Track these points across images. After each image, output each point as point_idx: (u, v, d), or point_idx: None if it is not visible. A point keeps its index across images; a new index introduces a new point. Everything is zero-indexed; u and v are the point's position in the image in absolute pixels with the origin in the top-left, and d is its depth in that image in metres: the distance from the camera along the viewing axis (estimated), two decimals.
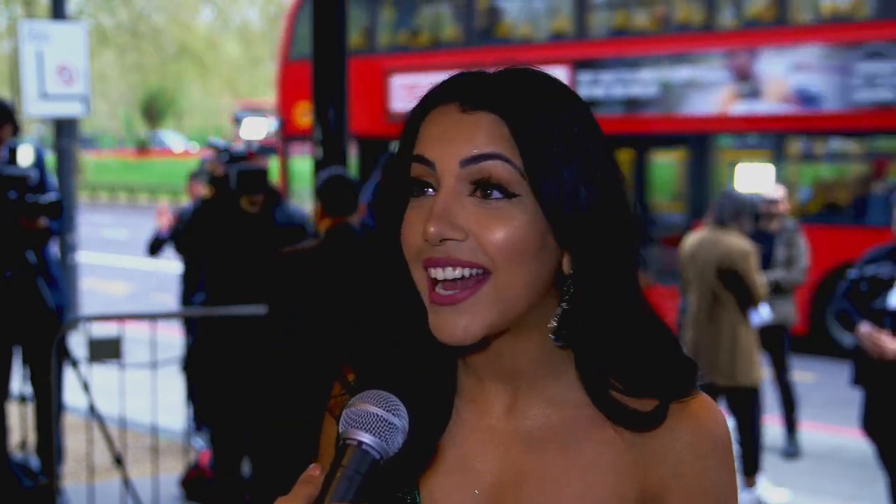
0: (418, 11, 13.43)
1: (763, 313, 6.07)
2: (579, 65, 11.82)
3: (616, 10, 12.14)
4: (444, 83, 1.13)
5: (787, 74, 10.81)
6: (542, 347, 1.13)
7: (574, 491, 1.11)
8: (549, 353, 1.13)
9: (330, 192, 3.98)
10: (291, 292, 3.92)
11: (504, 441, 1.15)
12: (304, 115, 12.25)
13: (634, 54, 11.80)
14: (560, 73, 9.41)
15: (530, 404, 1.15)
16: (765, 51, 10.96)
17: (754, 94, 11.02)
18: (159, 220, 7.50)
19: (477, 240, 1.05)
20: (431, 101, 1.12)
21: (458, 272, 1.06)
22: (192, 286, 6.77)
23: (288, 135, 14.04)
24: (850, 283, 4.83)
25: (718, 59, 11.25)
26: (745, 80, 11.05)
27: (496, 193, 1.06)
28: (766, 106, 10.99)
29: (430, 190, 1.08)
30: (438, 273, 1.06)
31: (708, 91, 11.18)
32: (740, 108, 11.14)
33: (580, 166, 1.07)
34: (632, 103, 11.81)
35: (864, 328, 4.60)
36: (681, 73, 11.52)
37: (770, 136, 11.37)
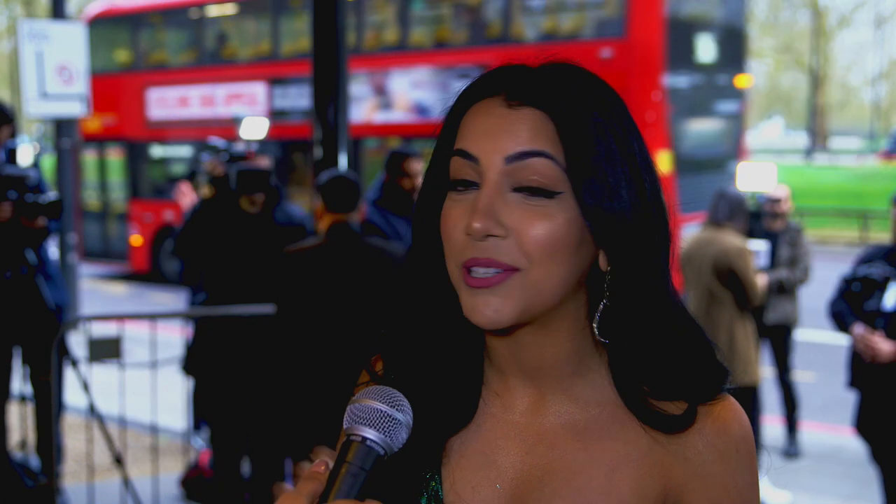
0: (167, 37, 16.60)
1: (761, 256, 6.15)
2: (273, 81, 14.75)
3: (300, 38, 15.00)
4: (488, 76, 1.12)
5: (408, 90, 13.64)
6: (568, 344, 1.13)
7: (597, 487, 1.11)
8: (575, 351, 1.13)
9: (332, 190, 3.99)
10: (296, 290, 3.93)
11: (528, 437, 1.15)
12: (93, 122, 15.29)
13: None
14: (259, 87, 14.58)
15: (555, 401, 1.15)
16: (393, 71, 13.78)
17: (388, 105, 13.80)
18: (182, 200, 7.12)
19: (517, 237, 1.05)
20: (475, 94, 1.12)
21: (494, 272, 1.06)
22: (194, 286, 6.77)
23: (83, 139, 15.47)
24: (843, 282, 4.82)
25: (363, 77, 13.65)
26: (382, 95, 13.86)
27: (538, 195, 1.06)
28: (396, 115, 13.69)
29: (473, 186, 1.08)
30: (479, 272, 1.07)
31: (357, 103, 13.12)
32: (379, 116, 13.83)
33: (622, 166, 1.07)
34: (308, 113, 12.96)
35: (858, 330, 4.60)
36: None
37: (403, 138, 13.70)
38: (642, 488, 1.10)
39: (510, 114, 1.07)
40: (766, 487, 6.08)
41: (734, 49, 13.00)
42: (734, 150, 13.05)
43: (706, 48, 12.50)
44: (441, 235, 1.11)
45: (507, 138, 1.06)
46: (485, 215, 1.04)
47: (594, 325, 1.11)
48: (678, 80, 11.97)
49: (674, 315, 1.13)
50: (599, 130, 1.06)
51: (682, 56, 12.00)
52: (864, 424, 4.72)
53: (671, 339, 1.12)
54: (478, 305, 1.06)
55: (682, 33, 12.01)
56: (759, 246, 6.35)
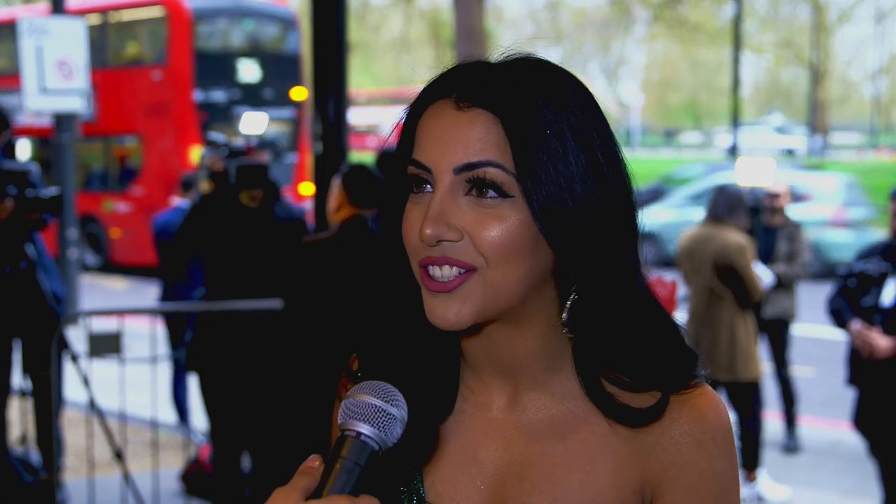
0: None
1: (765, 278, 6.11)
2: None
3: None
4: (441, 77, 1.12)
5: None
6: (540, 340, 1.13)
7: (575, 480, 1.11)
8: (548, 346, 1.14)
9: (357, 182, 3.97)
10: (311, 281, 3.93)
11: (506, 433, 1.15)
12: None
13: None
14: None
15: (531, 397, 1.15)
16: None
17: None
18: None
19: (472, 239, 1.06)
20: (429, 95, 1.12)
21: (454, 271, 1.07)
22: (171, 279, 6.80)
23: None
24: (840, 278, 4.83)
25: None
26: None
27: (491, 193, 1.06)
28: None
29: (429, 186, 1.09)
30: (436, 272, 1.07)
31: None
32: None
33: (577, 161, 1.07)
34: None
35: (856, 325, 4.60)
36: None
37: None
38: (620, 479, 1.11)
39: (460, 117, 1.07)
40: (766, 482, 6.09)
41: (288, 69, 16.96)
42: (293, 145, 17.05)
43: (249, 71, 16.78)
44: (402, 236, 1.12)
45: (456, 148, 1.06)
46: (435, 221, 1.05)
47: (562, 319, 1.11)
48: (215, 95, 16.16)
49: (641, 305, 1.13)
50: (551, 128, 1.06)
51: (221, 77, 16.27)
52: (863, 420, 4.72)
53: (638, 330, 1.12)
54: (437, 309, 1.08)
55: (219, 61, 16.44)
56: (765, 275, 6.36)
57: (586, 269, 1.08)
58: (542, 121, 1.06)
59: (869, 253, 4.82)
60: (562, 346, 1.14)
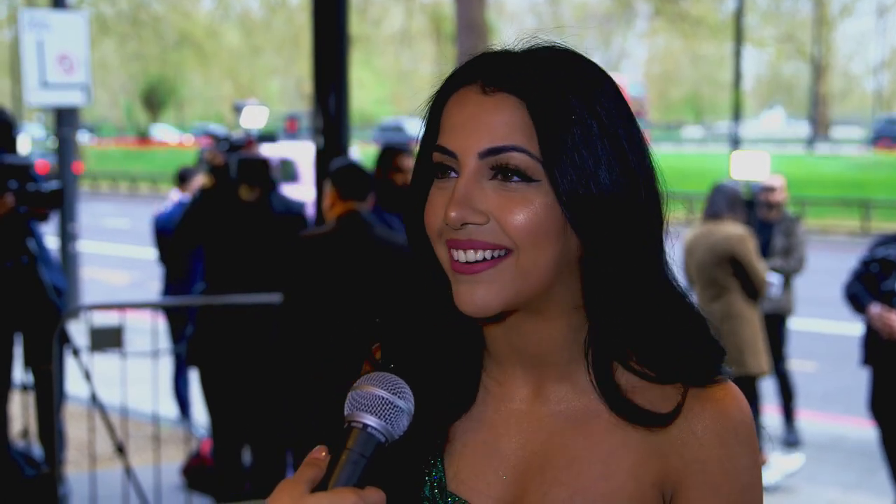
0: None
1: (773, 281, 6.11)
2: None
3: None
4: (467, 63, 1.12)
5: None
6: (566, 330, 1.13)
7: (595, 472, 1.11)
8: (572, 336, 1.13)
9: (345, 178, 4.00)
10: (306, 276, 3.94)
11: (529, 424, 1.15)
12: None
13: None
14: None
15: (554, 389, 1.15)
16: None
17: None
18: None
19: (498, 223, 1.06)
20: (455, 82, 1.12)
21: (479, 255, 1.06)
22: (189, 275, 6.77)
23: None
24: (861, 264, 4.89)
25: None
26: None
27: (515, 178, 1.06)
28: None
29: (453, 173, 1.09)
30: (461, 255, 1.07)
31: None
32: None
33: (603, 147, 1.07)
34: None
35: (875, 309, 4.67)
36: None
37: None
38: (639, 473, 1.11)
39: (485, 101, 1.07)
40: (777, 456, 6.10)
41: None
42: None
43: None
44: (424, 220, 1.12)
45: (482, 132, 1.06)
46: (460, 204, 1.05)
47: (584, 303, 1.11)
48: None
49: (665, 295, 1.12)
50: (576, 114, 1.06)
51: None
52: (878, 407, 4.78)
53: (661, 320, 1.11)
54: (464, 294, 1.07)
55: None
56: (773, 278, 6.36)
57: (610, 255, 1.08)
58: (568, 106, 1.06)
59: (887, 239, 4.91)
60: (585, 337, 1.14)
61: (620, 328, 1.10)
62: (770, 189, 7.05)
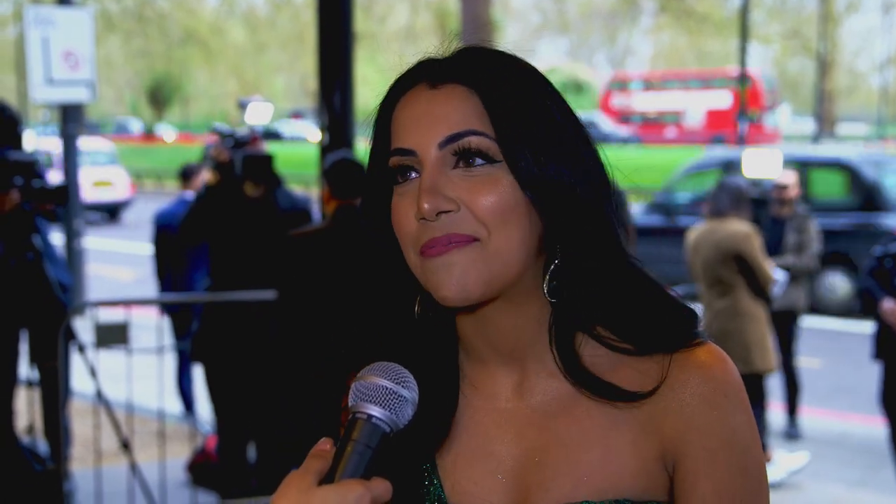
0: None
1: (779, 278, 6.12)
2: None
3: None
4: (408, 71, 1.14)
5: None
6: (538, 316, 1.13)
7: (595, 457, 1.11)
8: (546, 322, 1.13)
9: (337, 174, 4.00)
10: (301, 274, 3.94)
11: (518, 421, 1.15)
12: None
13: None
14: None
15: (537, 380, 1.15)
16: None
17: None
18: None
19: (469, 208, 1.06)
20: (399, 88, 1.13)
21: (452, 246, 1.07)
22: (189, 272, 6.78)
23: None
24: (875, 260, 4.89)
25: None
26: None
27: (478, 160, 1.07)
28: None
29: (413, 173, 1.09)
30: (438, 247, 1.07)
31: None
32: None
33: (551, 129, 1.09)
34: None
35: (888, 304, 4.67)
36: None
37: None
38: (640, 449, 1.10)
39: (435, 95, 1.09)
40: (781, 454, 6.10)
41: None
42: None
43: None
44: (394, 230, 1.11)
45: (437, 124, 1.08)
46: (431, 193, 1.06)
47: (544, 285, 1.11)
48: None
49: (624, 270, 1.13)
50: (522, 100, 1.08)
51: None
52: (889, 400, 4.79)
53: (624, 294, 1.12)
54: (443, 279, 1.07)
55: None
56: (778, 275, 6.35)
57: (570, 234, 1.09)
58: (516, 89, 1.09)
59: None
60: None
61: (580, 302, 1.11)
62: (782, 186, 7.04)
